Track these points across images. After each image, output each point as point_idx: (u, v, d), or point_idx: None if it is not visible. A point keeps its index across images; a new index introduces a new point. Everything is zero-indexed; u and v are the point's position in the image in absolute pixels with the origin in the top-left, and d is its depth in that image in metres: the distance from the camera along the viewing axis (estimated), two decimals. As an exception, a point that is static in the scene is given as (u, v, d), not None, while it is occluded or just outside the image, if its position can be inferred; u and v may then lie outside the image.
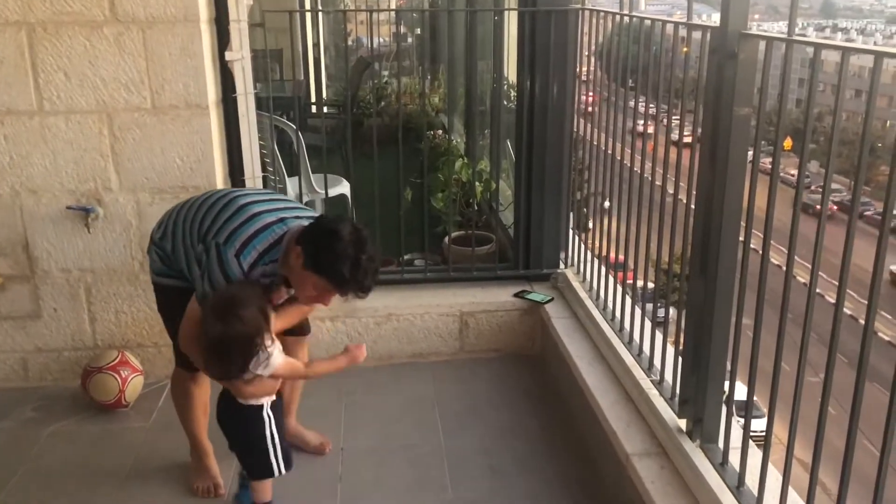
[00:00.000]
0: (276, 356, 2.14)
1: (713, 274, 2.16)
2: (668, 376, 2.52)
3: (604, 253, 3.27)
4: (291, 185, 4.45)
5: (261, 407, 2.27)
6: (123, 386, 3.06)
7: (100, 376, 3.04)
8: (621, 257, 3.04)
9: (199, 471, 2.63)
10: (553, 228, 3.68)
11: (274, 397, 2.31)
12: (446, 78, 7.84)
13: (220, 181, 3.11)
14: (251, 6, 3.32)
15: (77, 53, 2.90)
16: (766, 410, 2.03)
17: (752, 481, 2.01)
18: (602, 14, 3.14)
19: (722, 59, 2.02)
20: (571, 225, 3.77)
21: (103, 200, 3.08)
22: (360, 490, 2.65)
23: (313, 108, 7.91)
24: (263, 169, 3.75)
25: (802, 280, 1.84)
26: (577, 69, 3.47)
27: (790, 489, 1.88)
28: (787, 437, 1.80)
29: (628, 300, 2.96)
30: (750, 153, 2.04)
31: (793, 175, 1.91)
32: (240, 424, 2.32)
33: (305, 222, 2.18)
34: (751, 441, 2.06)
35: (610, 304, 3.13)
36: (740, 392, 2.18)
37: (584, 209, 3.73)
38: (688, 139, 2.37)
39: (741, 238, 2.11)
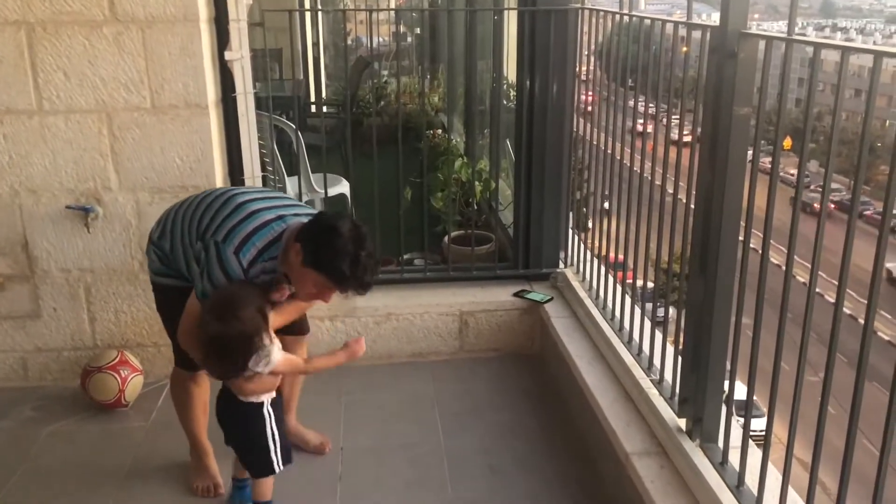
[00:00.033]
0: (275, 353, 2.14)
1: (713, 273, 2.16)
2: (668, 376, 2.52)
3: (603, 252, 3.27)
4: (291, 184, 4.45)
5: (261, 404, 2.27)
6: (123, 385, 3.06)
7: (99, 376, 3.04)
8: (621, 257, 3.04)
9: (199, 470, 2.63)
10: (552, 228, 3.68)
11: (274, 394, 2.31)
12: (446, 77, 7.84)
13: (219, 181, 3.10)
14: (251, 5, 3.32)
15: (76, 53, 2.90)
16: (765, 410, 2.04)
17: (751, 481, 2.01)
18: (602, 13, 3.14)
19: (722, 59, 2.02)
20: (571, 224, 3.77)
21: (103, 200, 3.08)
22: (360, 489, 2.65)
23: (313, 108, 7.91)
24: (263, 168, 3.75)
25: (802, 279, 1.84)
26: (577, 69, 3.47)
27: (790, 488, 1.88)
28: (787, 436, 1.81)
29: (628, 299, 2.96)
30: (749, 153, 2.04)
31: (792, 174, 1.91)
32: (240, 422, 2.32)
33: (304, 219, 2.18)
34: (750, 440, 2.06)
35: (609, 304, 3.13)
36: (740, 391, 2.19)
37: (584, 209, 3.73)
38: (687, 138, 2.37)
39: (741, 237, 2.11)
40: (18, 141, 2.99)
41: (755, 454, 2.04)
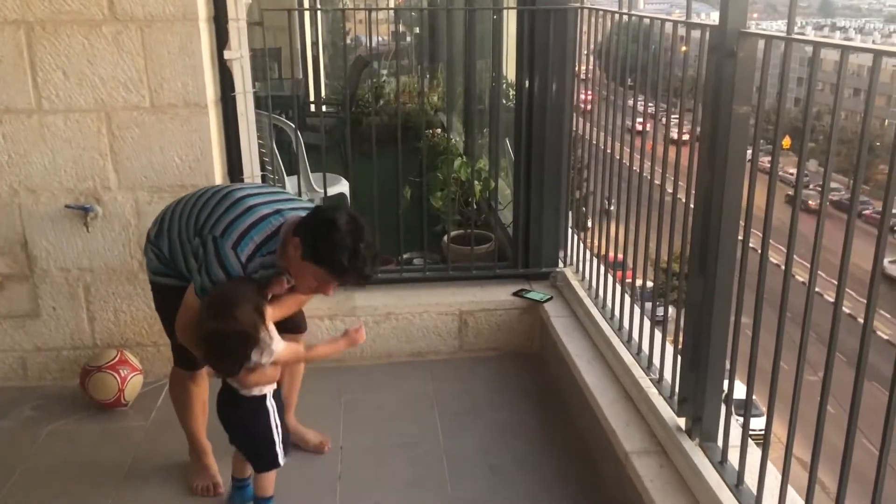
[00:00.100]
0: (276, 343, 2.16)
1: (712, 272, 2.16)
2: (668, 375, 2.52)
3: (603, 252, 3.27)
4: (290, 184, 4.46)
5: (264, 397, 2.28)
6: (122, 385, 3.05)
7: (99, 375, 3.04)
8: (620, 256, 3.04)
9: (198, 469, 2.63)
10: (552, 227, 3.68)
11: (275, 386, 2.32)
12: (445, 77, 7.84)
13: (218, 180, 3.10)
14: (250, 4, 3.32)
15: (76, 52, 2.90)
16: (765, 409, 2.04)
17: (751, 480, 2.01)
18: (601, 13, 3.14)
19: (721, 58, 2.02)
20: (570, 224, 3.77)
21: (102, 199, 3.08)
22: (360, 488, 2.65)
23: (312, 107, 7.91)
24: (262, 168, 3.76)
25: (801, 279, 1.84)
26: (577, 68, 3.47)
27: (789, 487, 1.89)
28: (787, 435, 1.81)
29: (627, 299, 2.96)
30: (749, 152, 2.04)
31: (791, 174, 1.91)
32: (243, 417, 2.32)
33: (302, 213, 2.18)
34: (750, 440, 2.06)
35: (609, 303, 3.13)
36: (739, 391, 2.18)
37: (584, 208, 3.73)
38: (686, 137, 2.37)
39: (740, 237, 2.11)
40: (17, 140, 2.98)
41: (754, 453, 2.04)
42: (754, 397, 2.03)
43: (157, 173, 3.06)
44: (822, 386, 1.73)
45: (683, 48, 2.49)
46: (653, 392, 2.57)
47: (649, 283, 2.99)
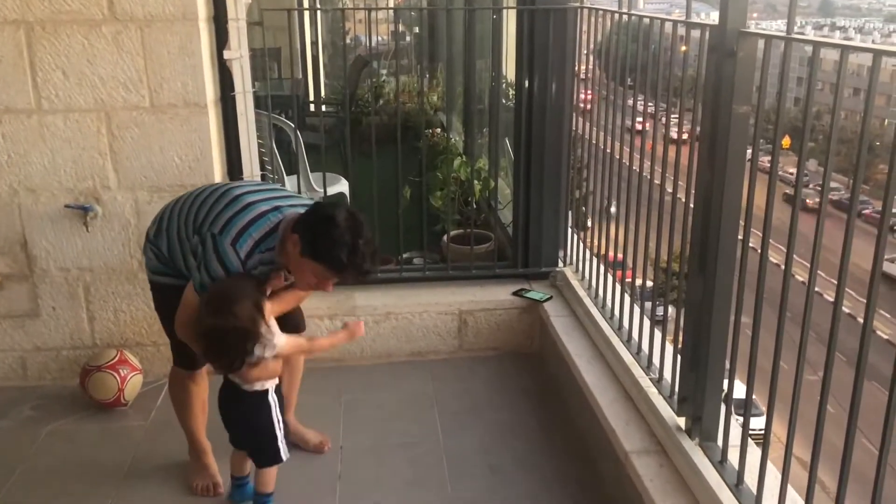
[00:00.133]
0: (278, 337, 2.17)
1: (712, 272, 2.16)
2: (667, 374, 2.52)
3: (602, 251, 3.27)
4: (290, 183, 4.46)
5: (266, 392, 2.29)
6: (122, 385, 3.05)
7: (99, 375, 3.04)
8: (620, 256, 3.04)
9: (198, 469, 2.63)
10: (552, 227, 3.68)
11: (277, 381, 2.32)
12: (445, 76, 7.83)
13: (218, 179, 3.10)
14: (249, 4, 3.32)
15: (75, 52, 2.90)
16: (764, 409, 2.04)
17: (750, 479, 2.01)
18: (601, 12, 3.14)
19: (721, 58, 2.02)
20: (570, 223, 3.77)
21: (101, 199, 3.08)
22: (360, 488, 2.65)
23: (312, 107, 7.91)
24: (262, 167, 3.76)
25: (801, 278, 1.84)
26: (576, 68, 3.47)
27: (789, 487, 1.89)
28: (786, 435, 1.81)
29: (627, 298, 2.96)
30: (749, 151, 2.04)
31: (791, 173, 1.91)
32: (246, 413, 2.32)
33: (301, 210, 2.18)
34: (749, 439, 2.06)
35: (609, 303, 3.13)
36: (739, 390, 2.18)
37: (583, 207, 3.73)
38: (686, 137, 2.37)
39: (740, 236, 2.11)
40: (17, 140, 2.98)
41: (754, 453, 2.04)
42: (754, 397, 2.04)
43: (157, 173, 3.06)
44: (821, 385, 1.73)
45: (683, 48, 2.49)
46: (652, 391, 2.57)
47: (649, 283, 2.99)
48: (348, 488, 2.65)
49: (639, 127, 2.99)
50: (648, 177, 2.67)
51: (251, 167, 3.30)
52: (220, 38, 3.03)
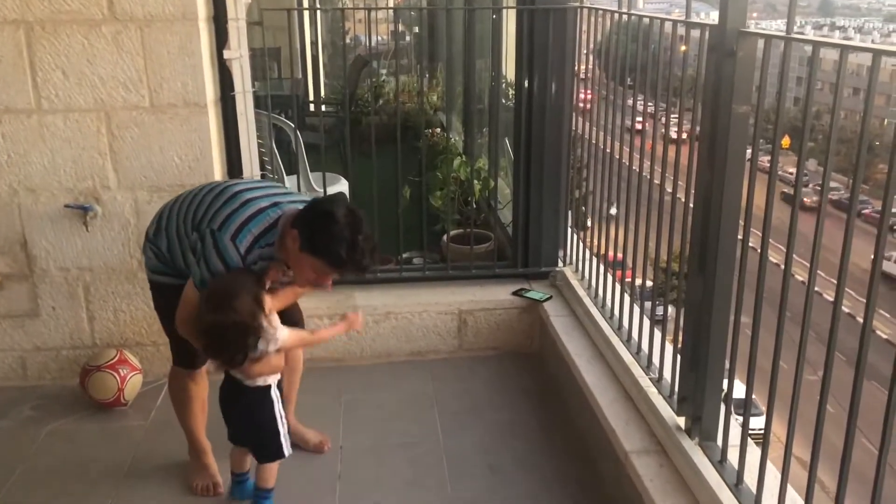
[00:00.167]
0: (281, 330, 2.17)
1: (712, 272, 2.16)
2: (667, 374, 2.52)
3: (602, 251, 3.27)
4: (290, 183, 4.46)
5: (268, 387, 2.29)
6: (122, 384, 3.06)
7: (98, 375, 3.04)
8: (620, 255, 3.04)
9: (198, 469, 2.63)
10: (551, 226, 3.68)
11: (279, 376, 2.32)
12: (444, 76, 7.84)
13: (218, 179, 3.10)
14: (249, 4, 3.32)
15: (75, 52, 2.90)
16: (764, 408, 2.04)
17: (750, 479, 2.01)
18: (601, 12, 3.14)
19: (720, 58, 2.02)
20: (570, 223, 3.77)
21: (101, 199, 3.08)
22: (359, 488, 2.65)
23: (311, 107, 7.91)
24: (262, 167, 3.76)
25: (801, 278, 1.84)
26: (576, 67, 3.47)
27: (788, 487, 1.89)
28: (786, 434, 1.81)
29: (627, 298, 2.96)
30: (748, 151, 2.05)
31: (791, 173, 1.91)
32: (248, 408, 2.32)
33: (300, 206, 2.19)
34: (749, 439, 2.07)
35: (609, 303, 3.13)
36: (739, 390, 2.19)
37: (583, 207, 3.73)
38: (686, 137, 2.37)
39: (740, 236, 2.11)
40: (17, 140, 2.98)
41: (754, 452, 2.04)
42: (754, 396, 2.04)
43: (157, 173, 3.06)
44: (821, 385, 1.73)
45: (683, 48, 2.49)
46: (652, 391, 2.57)
47: (649, 283, 2.99)
48: (348, 488, 2.65)
49: (638, 127, 2.99)
50: (648, 177, 2.67)
51: (251, 167, 3.30)
52: (220, 37, 3.04)
